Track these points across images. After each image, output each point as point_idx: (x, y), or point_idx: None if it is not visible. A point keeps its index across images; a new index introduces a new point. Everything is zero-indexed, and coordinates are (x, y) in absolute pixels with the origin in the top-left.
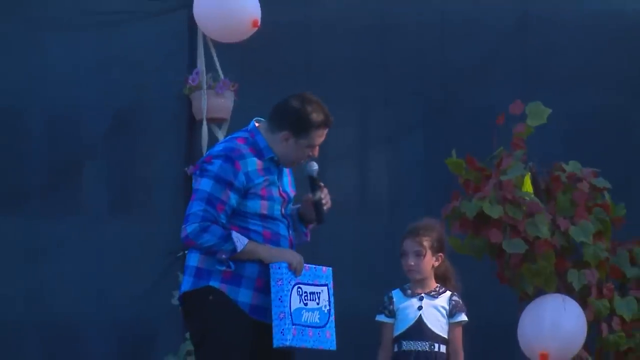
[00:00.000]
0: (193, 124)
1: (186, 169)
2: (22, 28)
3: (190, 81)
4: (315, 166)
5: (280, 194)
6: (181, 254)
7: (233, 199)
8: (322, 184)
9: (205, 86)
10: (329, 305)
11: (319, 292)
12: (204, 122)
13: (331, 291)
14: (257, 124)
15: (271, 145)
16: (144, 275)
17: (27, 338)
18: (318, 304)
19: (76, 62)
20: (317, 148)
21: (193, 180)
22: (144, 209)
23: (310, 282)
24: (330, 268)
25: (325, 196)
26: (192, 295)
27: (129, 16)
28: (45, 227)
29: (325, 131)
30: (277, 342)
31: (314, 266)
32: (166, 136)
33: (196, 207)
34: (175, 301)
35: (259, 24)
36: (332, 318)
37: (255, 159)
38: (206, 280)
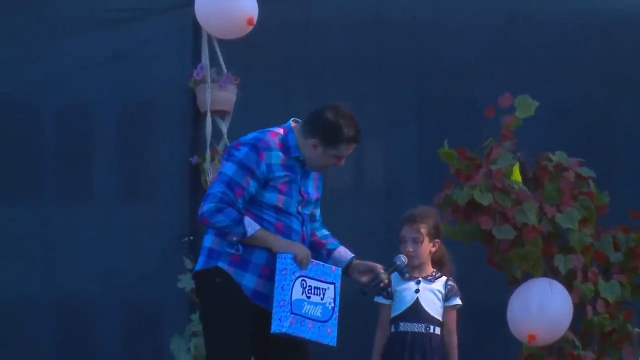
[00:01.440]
0: (197, 116)
1: (191, 159)
2: (36, 26)
3: (195, 75)
4: (404, 261)
5: (301, 194)
6: (186, 239)
7: (252, 186)
8: (390, 277)
9: (209, 80)
10: (334, 303)
11: (325, 289)
12: (208, 114)
13: (338, 290)
14: (293, 124)
15: (300, 147)
16: (151, 259)
17: (40, 318)
18: (322, 299)
19: (87, 57)
20: (344, 159)
21: (220, 163)
22: (151, 196)
23: (316, 277)
24: (340, 268)
25: (382, 284)
26: (202, 274)
27: (138, 13)
28: (58, 214)
29: (354, 145)
30: (274, 328)
31: (322, 264)
32: (172, 128)
33: (216, 188)
34: (181, 284)
35: (254, 21)
36: (336, 315)
37: (280, 154)
38: (216, 261)
